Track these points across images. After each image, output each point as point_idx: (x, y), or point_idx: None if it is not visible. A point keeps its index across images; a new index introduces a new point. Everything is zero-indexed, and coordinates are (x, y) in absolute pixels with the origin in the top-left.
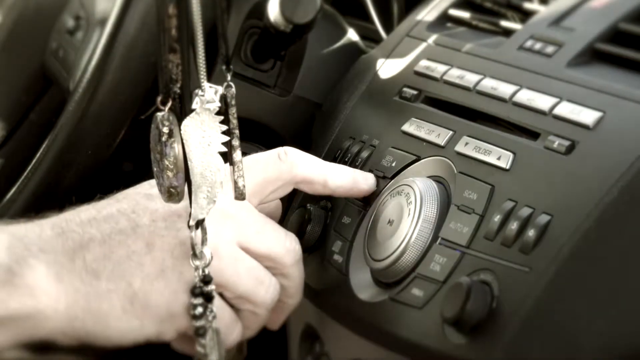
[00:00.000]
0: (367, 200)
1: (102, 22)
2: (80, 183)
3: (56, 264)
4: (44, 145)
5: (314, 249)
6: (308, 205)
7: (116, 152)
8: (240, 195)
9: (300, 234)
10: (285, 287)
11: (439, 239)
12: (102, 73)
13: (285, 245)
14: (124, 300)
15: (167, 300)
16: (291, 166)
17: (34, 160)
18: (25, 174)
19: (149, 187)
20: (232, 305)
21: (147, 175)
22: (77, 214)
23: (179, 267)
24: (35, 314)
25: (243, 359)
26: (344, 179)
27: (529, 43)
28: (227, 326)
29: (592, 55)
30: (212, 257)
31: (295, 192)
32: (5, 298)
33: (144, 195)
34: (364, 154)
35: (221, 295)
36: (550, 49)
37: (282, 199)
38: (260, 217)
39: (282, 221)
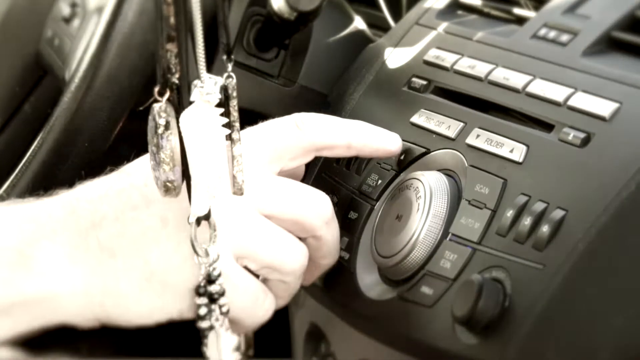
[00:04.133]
0: (375, 195)
1: (99, 9)
2: (76, 176)
3: (69, 244)
4: (38, 138)
5: None
6: None
7: (114, 145)
8: (238, 190)
9: None
10: (317, 248)
11: (450, 234)
12: (99, 63)
13: (311, 207)
14: (141, 279)
15: (185, 276)
16: (310, 134)
17: (28, 153)
18: (20, 167)
19: None
20: (260, 277)
21: None
22: (87, 190)
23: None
24: (51, 298)
25: (249, 357)
26: (368, 138)
27: (542, 31)
28: (257, 298)
29: (608, 44)
30: (218, 256)
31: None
32: (19, 282)
33: None
34: None
35: (247, 267)
36: (564, 38)
37: None
38: (281, 180)
39: None
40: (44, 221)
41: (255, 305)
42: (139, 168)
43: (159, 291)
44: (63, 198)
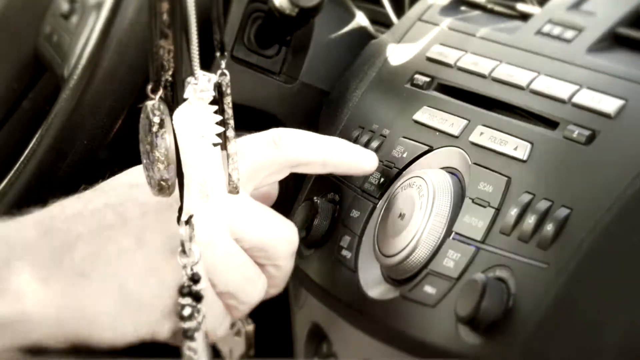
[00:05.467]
0: (378, 193)
1: (99, 5)
2: (75, 174)
3: (42, 265)
4: (37, 135)
5: (321, 244)
6: (315, 198)
7: (112, 142)
8: (234, 188)
9: (306, 228)
10: (273, 277)
11: (453, 233)
12: (98, 59)
13: (280, 235)
14: (117, 301)
15: (161, 299)
16: (286, 150)
17: (26, 151)
18: (18, 165)
19: (137, 174)
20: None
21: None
22: (61, 209)
23: (172, 263)
24: (23, 320)
25: (250, 358)
26: (344, 157)
27: (547, 27)
28: (218, 320)
29: (613, 41)
30: (200, 254)
31: (301, 184)
32: None
33: (131, 186)
34: (374, 144)
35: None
36: (569, 34)
37: (288, 188)
38: (256, 204)
39: (289, 214)
40: (17, 242)
41: (214, 327)
42: (115, 186)
43: (133, 314)
44: (36, 217)
